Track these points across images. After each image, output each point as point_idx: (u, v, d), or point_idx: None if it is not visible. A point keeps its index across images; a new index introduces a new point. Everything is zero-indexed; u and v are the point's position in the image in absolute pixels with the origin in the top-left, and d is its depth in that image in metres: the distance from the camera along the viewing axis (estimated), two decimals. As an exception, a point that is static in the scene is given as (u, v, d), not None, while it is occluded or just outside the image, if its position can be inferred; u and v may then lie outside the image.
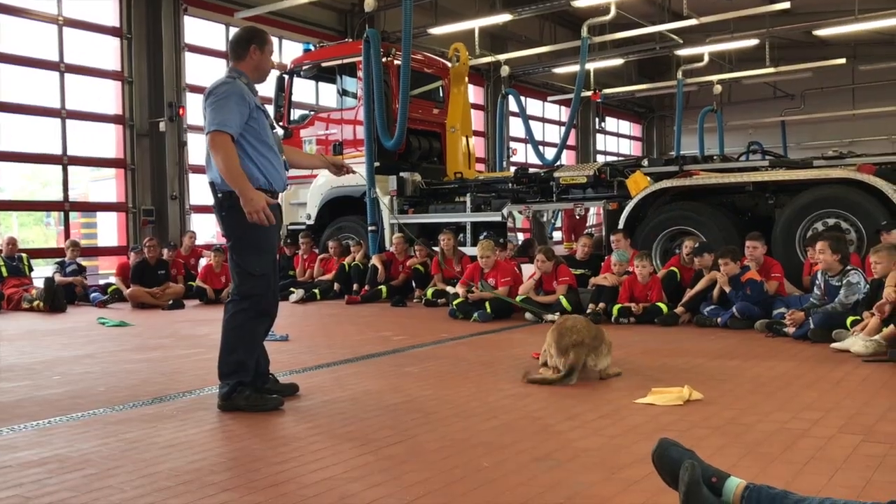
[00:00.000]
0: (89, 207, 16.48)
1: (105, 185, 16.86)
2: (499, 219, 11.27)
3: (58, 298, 10.75)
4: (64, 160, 13.56)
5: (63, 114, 13.20)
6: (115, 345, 7.31)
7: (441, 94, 13.79)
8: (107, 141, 14.67)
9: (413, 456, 3.39)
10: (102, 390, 5.03)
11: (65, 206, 14.09)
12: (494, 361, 5.91)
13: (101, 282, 13.38)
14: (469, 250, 10.80)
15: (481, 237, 10.21)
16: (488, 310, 8.52)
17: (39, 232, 26.23)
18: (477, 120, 19.91)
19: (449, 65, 13.70)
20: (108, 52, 14.28)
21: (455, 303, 8.92)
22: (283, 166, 4.58)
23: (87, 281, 12.18)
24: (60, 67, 13.13)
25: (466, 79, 13.90)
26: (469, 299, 8.82)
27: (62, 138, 13.31)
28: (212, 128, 4.23)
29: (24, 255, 11.81)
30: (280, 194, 4.62)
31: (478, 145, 18.44)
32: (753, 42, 19.77)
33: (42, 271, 12.25)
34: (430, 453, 3.43)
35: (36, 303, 10.79)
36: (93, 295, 11.53)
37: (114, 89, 14.29)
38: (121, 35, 13.94)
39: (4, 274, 11.33)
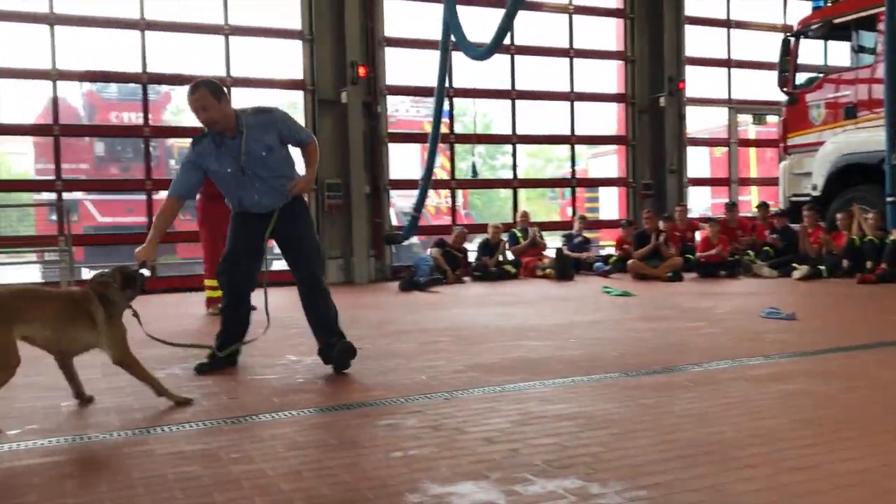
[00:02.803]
0: (593, 183, 17.65)
1: (603, 161, 17.87)
2: None
3: (566, 267, 11.76)
4: (572, 140, 14.67)
5: (572, 96, 14.24)
6: (621, 313, 7.72)
7: None
8: (607, 118, 15.50)
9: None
10: (615, 356, 5.34)
11: (572, 183, 15.30)
12: None
13: (603, 252, 14.25)
14: None
15: None
16: None
17: (543, 205, 29.00)
18: None
19: None
20: (610, 34, 15.01)
21: None
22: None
23: (592, 252, 13.06)
24: (570, 53, 14.18)
25: None
26: None
27: (570, 119, 14.38)
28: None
29: (535, 228, 12.99)
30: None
31: None
32: None
33: (552, 242, 13.46)
34: None
35: (547, 270, 11.95)
36: (597, 265, 12.36)
37: (616, 69, 14.97)
38: (624, 15, 14.52)
39: (521, 242, 12.67)
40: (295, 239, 5.03)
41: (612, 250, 13.34)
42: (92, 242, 12.97)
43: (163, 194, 5.90)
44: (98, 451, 3.36)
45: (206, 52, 12.53)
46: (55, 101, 11.43)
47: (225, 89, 4.88)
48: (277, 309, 8.38)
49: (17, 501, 2.77)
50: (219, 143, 4.87)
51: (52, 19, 10.89)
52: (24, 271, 11.95)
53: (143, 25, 11.34)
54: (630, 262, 11.75)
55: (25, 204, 9.45)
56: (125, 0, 11.48)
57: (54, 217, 11.29)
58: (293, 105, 12.70)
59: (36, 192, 13.44)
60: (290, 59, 12.63)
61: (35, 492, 2.86)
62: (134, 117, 14.39)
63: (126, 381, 4.72)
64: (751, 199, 17.58)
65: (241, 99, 11.95)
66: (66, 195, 11.42)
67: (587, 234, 13.36)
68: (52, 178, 11.48)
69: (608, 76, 15.22)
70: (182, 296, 10.19)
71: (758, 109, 16.03)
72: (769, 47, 14.12)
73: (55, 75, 11.07)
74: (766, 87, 15.34)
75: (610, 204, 16.65)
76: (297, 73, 12.37)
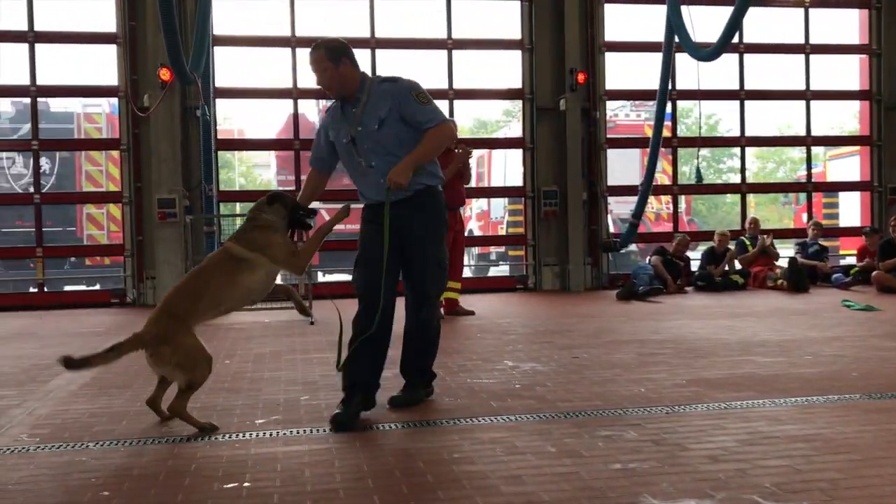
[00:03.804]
0: (832, 187, 16.35)
1: (843, 163, 16.47)
2: None
3: (801, 278, 10.98)
4: (808, 141, 13.68)
5: (808, 95, 13.27)
6: (864, 329, 7.09)
7: None
8: (847, 117, 14.29)
9: None
10: (856, 376, 4.92)
11: (808, 187, 14.25)
12: None
13: (842, 262, 13.15)
14: None
15: None
16: None
17: (775, 211, 27.07)
18: None
19: None
20: (851, 27, 13.84)
21: None
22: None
23: (829, 262, 12.11)
24: (805, 49, 13.21)
25: None
26: None
27: (806, 119, 13.41)
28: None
29: (766, 235, 12.20)
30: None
31: None
32: None
33: (784, 251, 12.61)
34: None
35: (779, 281, 11.22)
36: (835, 276, 11.44)
37: (858, 63, 13.77)
38: (870, 5, 13.31)
39: (750, 251, 11.97)
40: (411, 242, 4.19)
41: (852, 260, 12.34)
42: (325, 248, 13.89)
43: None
44: (332, 443, 3.60)
45: (430, 65, 12.99)
46: (295, 118, 12.40)
47: (350, 52, 4.25)
48: (492, 313, 8.56)
49: (263, 485, 3.03)
50: (341, 109, 4.31)
51: (293, 42, 11.82)
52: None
53: (373, 44, 11.99)
54: (875, 273, 10.78)
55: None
56: (358, 20, 12.23)
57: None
58: (509, 113, 12.82)
59: (278, 202, 14.58)
60: (508, 69, 12.85)
61: (278, 477, 3.12)
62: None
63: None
64: None
65: (462, 111, 12.17)
66: (304, 204, 12.33)
67: (823, 243, 12.37)
68: (292, 188, 12.46)
69: (848, 72, 14.04)
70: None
71: None
72: None
73: (295, 93, 12.01)
74: None
75: (851, 210, 15.30)
76: (516, 82, 12.54)
